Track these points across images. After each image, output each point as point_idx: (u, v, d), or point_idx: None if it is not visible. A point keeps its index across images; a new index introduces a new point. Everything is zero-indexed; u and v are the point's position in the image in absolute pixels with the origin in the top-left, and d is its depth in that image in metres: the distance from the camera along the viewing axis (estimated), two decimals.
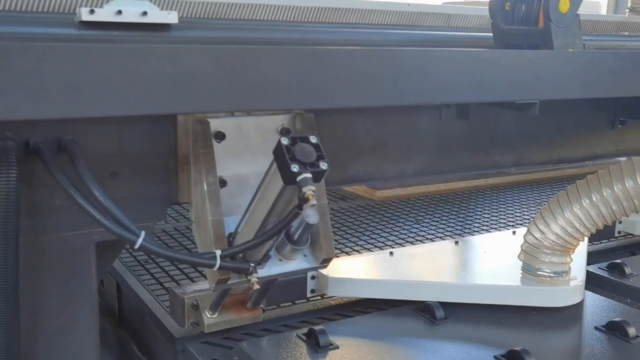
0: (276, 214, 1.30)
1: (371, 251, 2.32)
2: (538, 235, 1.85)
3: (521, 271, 1.90)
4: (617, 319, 1.70)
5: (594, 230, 1.83)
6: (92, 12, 1.31)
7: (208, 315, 1.70)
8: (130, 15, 1.34)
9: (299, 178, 1.18)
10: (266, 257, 1.43)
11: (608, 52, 1.78)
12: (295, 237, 1.44)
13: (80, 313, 1.46)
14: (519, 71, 1.56)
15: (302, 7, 1.77)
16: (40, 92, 1.10)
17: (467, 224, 2.69)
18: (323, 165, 1.20)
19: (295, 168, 1.17)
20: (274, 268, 1.48)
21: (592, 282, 2.01)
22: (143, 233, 1.24)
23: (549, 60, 1.58)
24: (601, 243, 2.48)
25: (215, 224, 1.40)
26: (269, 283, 1.65)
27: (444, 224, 2.66)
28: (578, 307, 1.83)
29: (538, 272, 1.85)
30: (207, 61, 1.25)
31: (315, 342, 1.57)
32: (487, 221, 2.74)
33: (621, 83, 1.68)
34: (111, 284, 2.18)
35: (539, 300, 1.82)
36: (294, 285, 1.89)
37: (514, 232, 2.31)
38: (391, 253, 2.08)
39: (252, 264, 1.40)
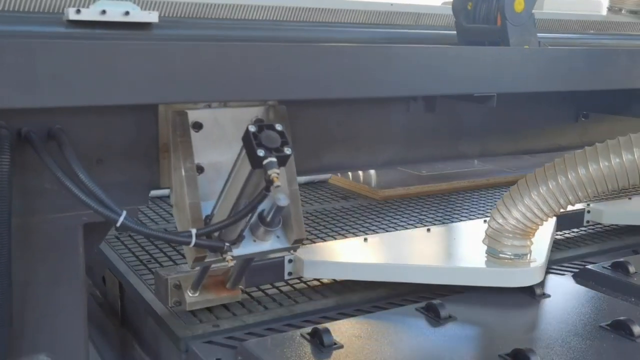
0: (246, 196, 1.42)
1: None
2: (500, 220, 1.97)
3: (485, 254, 2.02)
4: (621, 318, 1.69)
5: (551, 215, 1.95)
6: (78, 11, 1.43)
7: (190, 295, 1.82)
8: (114, 14, 1.46)
9: (264, 162, 1.30)
10: (240, 237, 1.55)
11: (562, 49, 1.90)
12: (268, 219, 1.56)
13: (68, 289, 1.58)
14: (476, 66, 1.69)
15: (278, 7, 1.89)
16: (31, 84, 1.23)
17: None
18: (287, 151, 1.32)
19: (261, 153, 1.29)
20: (248, 248, 1.60)
21: (596, 281, 2.03)
22: (124, 212, 1.36)
23: (504, 56, 1.71)
24: (604, 242, 2.51)
25: (193, 206, 1.52)
26: (245, 263, 1.77)
27: (447, 222, 2.66)
28: (582, 306, 1.85)
29: (500, 255, 1.97)
30: (184, 56, 1.38)
31: (319, 342, 1.57)
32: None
33: (574, 78, 1.80)
34: (114, 283, 2.17)
35: (501, 280, 1.94)
36: (272, 268, 2.00)
37: (484, 221, 2.42)
38: (365, 239, 2.21)
39: (227, 243, 1.52)
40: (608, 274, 2.06)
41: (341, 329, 1.65)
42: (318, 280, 2.07)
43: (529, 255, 1.99)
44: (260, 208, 1.56)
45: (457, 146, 2.09)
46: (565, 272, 2.17)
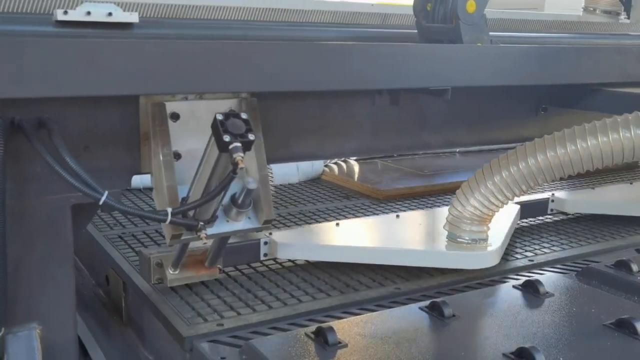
0: (216, 178, 1.58)
1: None
2: (459, 208, 2.13)
3: (446, 239, 2.18)
4: (625, 317, 1.69)
5: (506, 202, 2.11)
6: (65, 13, 1.59)
7: (170, 272, 1.98)
8: (98, 15, 1.62)
9: (230, 146, 1.46)
10: (214, 217, 1.70)
11: (511, 46, 2.06)
12: (239, 201, 1.72)
13: (58, 265, 1.74)
14: (432, 62, 1.85)
15: (250, 8, 2.05)
16: (23, 77, 1.40)
17: None
18: (251, 136, 1.48)
19: (227, 138, 1.45)
20: (222, 227, 1.76)
21: (600, 280, 2.04)
22: (106, 192, 1.52)
23: (457, 53, 1.87)
24: (607, 241, 2.54)
25: (170, 188, 1.68)
26: (222, 243, 1.93)
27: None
28: (586, 304, 1.87)
29: (458, 239, 2.13)
30: (161, 53, 1.54)
31: (324, 341, 1.57)
32: None
33: (523, 73, 1.96)
34: (117, 283, 2.18)
35: (459, 263, 2.11)
36: (249, 249, 2.17)
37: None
38: (337, 224, 2.37)
39: (201, 223, 1.68)
40: (611, 273, 2.06)
41: (345, 328, 1.66)
42: (291, 261, 2.23)
43: (486, 240, 2.15)
44: (232, 191, 1.72)
45: (421, 137, 2.25)
46: (569, 271, 2.20)
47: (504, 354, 1.54)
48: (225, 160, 1.51)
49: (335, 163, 3.78)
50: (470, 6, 1.90)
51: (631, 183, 3.21)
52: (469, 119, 2.36)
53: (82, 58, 1.45)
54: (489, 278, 2.12)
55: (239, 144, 1.46)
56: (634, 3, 4.05)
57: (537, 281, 1.94)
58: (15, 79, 1.36)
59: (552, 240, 2.52)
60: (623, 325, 1.68)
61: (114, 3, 1.65)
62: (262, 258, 2.19)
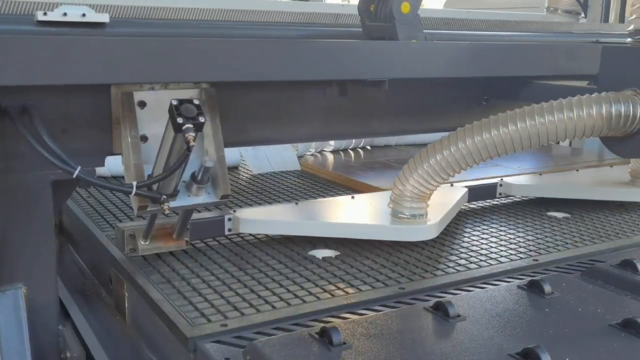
0: (174, 156, 1.83)
1: None
2: (400, 187, 2.38)
3: (390, 215, 2.43)
4: (632, 317, 1.67)
5: (441, 181, 2.36)
6: (45, 14, 1.84)
7: (142, 243, 2.24)
8: (73, 16, 1.87)
9: (183, 127, 1.72)
10: (175, 191, 1.96)
11: (443, 43, 2.31)
12: (199, 178, 1.98)
13: (40, 233, 1.99)
14: (370, 56, 2.11)
15: (213, 10, 2.30)
16: (8, 67, 1.66)
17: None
18: (201, 119, 1.75)
19: (180, 120, 1.72)
20: (183, 201, 2.01)
21: (605, 279, 2.03)
22: (79, 168, 1.78)
23: (392, 49, 2.13)
24: (612, 241, 2.52)
25: (136, 166, 1.94)
26: (186, 216, 2.18)
27: (453, 221, 2.68)
28: (591, 304, 1.85)
29: (400, 215, 2.38)
30: (129, 48, 1.80)
31: (328, 341, 1.56)
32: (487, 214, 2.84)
33: (453, 67, 2.22)
34: (120, 283, 2.19)
35: (399, 235, 2.36)
36: (214, 225, 2.42)
37: None
38: (296, 203, 2.63)
39: (164, 196, 1.94)
40: (617, 273, 2.05)
41: (350, 328, 1.64)
42: (253, 236, 2.48)
43: (425, 215, 2.40)
44: (192, 169, 1.98)
45: (369, 125, 2.51)
46: (574, 271, 2.19)
47: (509, 354, 1.53)
48: (180, 140, 1.77)
49: (312, 155, 4.05)
50: (405, 7, 2.15)
51: (577, 170, 3.46)
52: (416, 108, 2.62)
53: (60, 52, 1.71)
54: (494, 278, 2.14)
55: (190, 126, 1.73)
56: (591, 3, 4.29)
57: (542, 281, 1.92)
58: (1, 69, 1.62)
59: (556, 240, 2.50)
60: (629, 326, 1.66)
61: (88, 5, 1.91)
62: (226, 233, 2.45)
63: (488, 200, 3.04)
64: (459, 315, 1.73)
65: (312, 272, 2.13)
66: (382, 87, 2.16)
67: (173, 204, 1.99)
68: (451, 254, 2.33)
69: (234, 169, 3.72)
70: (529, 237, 2.53)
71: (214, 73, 1.87)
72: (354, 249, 2.34)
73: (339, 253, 2.30)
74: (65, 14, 1.85)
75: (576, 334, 1.67)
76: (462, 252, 2.35)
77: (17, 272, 2.00)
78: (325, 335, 1.57)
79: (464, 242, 2.47)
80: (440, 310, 1.75)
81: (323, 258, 2.26)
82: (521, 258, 2.30)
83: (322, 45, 2.01)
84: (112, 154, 2.06)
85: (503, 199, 3.08)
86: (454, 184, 2.95)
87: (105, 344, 2.36)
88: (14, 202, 1.96)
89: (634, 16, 2.21)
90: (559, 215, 2.85)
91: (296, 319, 1.80)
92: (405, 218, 2.39)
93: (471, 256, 2.31)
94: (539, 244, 2.46)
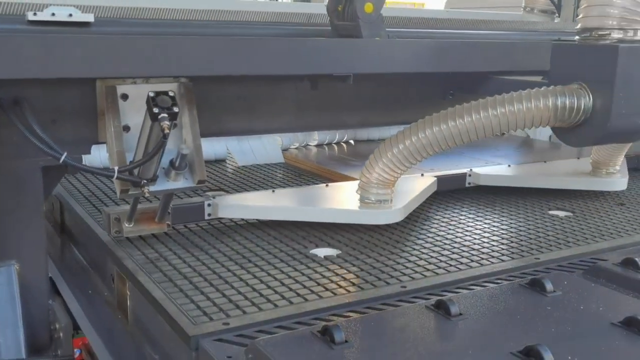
0: (152, 143, 2.02)
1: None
2: (367, 174, 2.56)
3: (358, 201, 2.62)
4: (634, 315, 1.68)
5: (405, 169, 2.54)
6: (35, 14, 2.02)
7: (126, 226, 2.42)
8: (61, 16, 2.05)
9: (159, 117, 1.90)
10: (155, 176, 2.14)
11: (406, 40, 2.49)
12: (176, 164, 2.17)
13: (31, 214, 2.18)
14: (335, 53, 2.29)
15: (192, 10, 2.49)
16: (2, 62, 1.84)
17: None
18: (175, 109, 1.93)
19: (156, 110, 1.90)
20: (163, 185, 2.19)
21: (607, 278, 2.03)
22: (65, 153, 1.96)
23: (356, 46, 2.31)
24: (614, 239, 2.52)
25: (119, 153, 2.12)
26: (167, 200, 2.36)
27: (455, 220, 2.75)
28: (593, 303, 1.85)
29: (366, 201, 2.57)
30: (112, 45, 1.99)
31: (330, 339, 1.55)
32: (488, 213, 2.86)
33: (414, 62, 2.40)
34: (122, 282, 2.21)
35: (365, 219, 2.54)
36: (195, 210, 2.60)
37: None
38: (273, 191, 2.82)
39: (144, 180, 2.12)
40: (618, 271, 2.05)
41: (352, 327, 1.64)
42: (231, 220, 2.66)
43: (390, 201, 2.59)
44: (171, 156, 2.17)
45: (339, 117, 2.69)
46: (576, 269, 2.20)
47: (511, 353, 1.52)
48: (157, 128, 1.95)
49: (297, 148, 4.24)
50: (368, 8, 2.33)
51: (545, 162, 3.64)
52: (384, 102, 2.80)
53: (48, 49, 1.90)
54: (496, 276, 2.14)
55: (165, 115, 1.91)
56: (564, 3, 4.47)
57: (544, 279, 1.92)
58: None
59: (558, 239, 2.51)
60: (631, 324, 1.66)
61: (74, 6, 2.09)
62: (206, 217, 2.63)
63: (491, 199, 3.09)
64: (460, 314, 1.72)
65: (314, 271, 2.14)
66: (347, 82, 2.34)
67: (153, 188, 2.17)
68: (453, 253, 2.34)
69: (221, 161, 3.91)
70: (531, 236, 2.54)
71: (191, 68, 2.06)
72: (356, 247, 2.37)
73: (340, 252, 2.32)
74: (53, 14, 2.03)
75: (578, 332, 1.67)
76: (463, 251, 2.36)
77: (9, 251, 2.18)
78: (327, 334, 1.57)
79: (465, 240, 2.48)
80: (442, 308, 1.74)
81: (325, 257, 2.28)
82: (523, 257, 2.31)
83: (291, 42, 2.20)
84: (97, 142, 2.24)
85: (505, 197, 3.12)
86: (425, 174, 3.14)
87: (107, 343, 2.41)
88: (7, 186, 2.14)
89: (581, 15, 2.39)
90: (561, 214, 2.87)
91: (298, 317, 1.81)
92: (371, 203, 2.57)
93: (473, 255, 2.32)
94: (540, 242, 2.47)
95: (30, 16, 2.04)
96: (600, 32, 2.31)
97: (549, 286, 1.90)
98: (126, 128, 2.20)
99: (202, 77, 2.23)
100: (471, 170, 3.27)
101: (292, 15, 2.69)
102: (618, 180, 3.20)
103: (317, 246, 2.39)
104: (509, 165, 3.49)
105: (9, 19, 2.12)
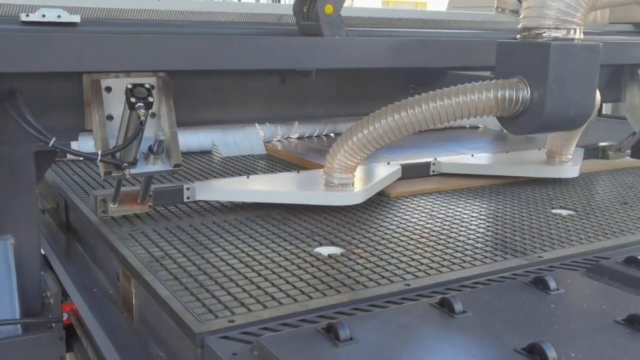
0: (131, 130, 2.28)
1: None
2: (331, 161, 2.82)
3: (323, 185, 2.88)
4: (637, 313, 1.68)
5: (364, 156, 2.80)
6: (27, 15, 2.28)
7: (112, 206, 2.68)
8: (51, 17, 2.29)
9: (136, 106, 2.16)
10: (135, 160, 2.39)
11: (364, 39, 2.75)
12: (154, 149, 2.43)
13: (24, 194, 2.44)
14: (298, 50, 2.55)
15: (171, 11, 2.75)
16: None
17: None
18: (150, 99, 2.19)
19: (133, 100, 2.16)
20: (143, 168, 2.45)
21: (610, 276, 2.03)
22: (54, 139, 2.22)
23: (316, 44, 2.57)
24: (617, 237, 2.54)
25: (103, 139, 2.37)
26: (147, 183, 2.62)
27: (458, 218, 2.77)
28: (596, 301, 1.86)
29: (330, 184, 2.84)
30: (96, 43, 2.24)
31: (335, 337, 1.56)
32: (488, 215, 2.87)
33: (371, 59, 2.66)
34: (127, 280, 2.24)
35: (328, 200, 2.81)
36: (174, 193, 2.86)
37: None
38: (248, 176, 3.08)
39: (125, 163, 2.38)
40: (622, 269, 2.05)
41: (356, 324, 1.64)
42: (207, 203, 2.91)
43: (352, 184, 2.85)
44: (149, 142, 2.42)
45: (305, 109, 2.96)
46: (579, 268, 2.21)
47: (515, 350, 1.53)
48: (134, 115, 2.21)
49: (279, 140, 4.50)
50: (328, 9, 2.58)
51: (507, 152, 3.90)
52: (348, 95, 3.06)
53: (39, 46, 2.16)
54: (499, 274, 2.16)
55: (141, 104, 2.17)
56: None
57: (547, 277, 1.92)
58: None
59: (561, 237, 2.53)
60: (634, 322, 1.67)
61: (63, 8, 2.35)
62: (185, 200, 2.89)
63: (494, 197, 3.16)
64: (464, 311, 1.73)
65: (318, 269, 2.16)
66: (309, 77, 2.59)
67: (133, 171, 2.43)
68: (456, 251, 2.36)
69: (206, 152, 4.17)
70: (534, 234, 2.57)
71: (168, 63, 2.32)
72: (359, 246, 2.41)
73: (344, 250, 2.35)
74: (44, 16, 2.29)
75: (581, 330, 1.68)
76: (467, 249, 2.38)
77: (5, 226, 2.44)
78: (331, 331, 1.58)
79: (469, 239, 2.51)
80: (446, 306, 1.75)
81: (329, 255, 2.30)
82: (526, 255, 2.33)
83: (258, 40, 2.46)
84: (84, 130, 2.50)
85: (508, 197, 3.17)
86: (391, 162, 3.41)
87: (113, 341, 2.39)
88: (2, 169, 2.40)
89: (522, 16, 2.64)
90: (564, 212, 2.90)
91: (303, 314, 1.83)
92: (335, 186, 2.83)
93: (476, 253, 2.34)
94: (544, 240, 2.49)
95: (23, 17, 2.30)
96: (537, 31, 2.57)
97: (552, 284, 1.90)
98: (109, 117, 2.45)
99: (179, 71, 2.49)
100: (435, 159, 3.53)
101: (264, 15, 2.95)
102: (570, 169, 3.47)
103: (320, 245, 2.42)
104: (472, 155, 3.74)
105: (4, 19, 2.37)
